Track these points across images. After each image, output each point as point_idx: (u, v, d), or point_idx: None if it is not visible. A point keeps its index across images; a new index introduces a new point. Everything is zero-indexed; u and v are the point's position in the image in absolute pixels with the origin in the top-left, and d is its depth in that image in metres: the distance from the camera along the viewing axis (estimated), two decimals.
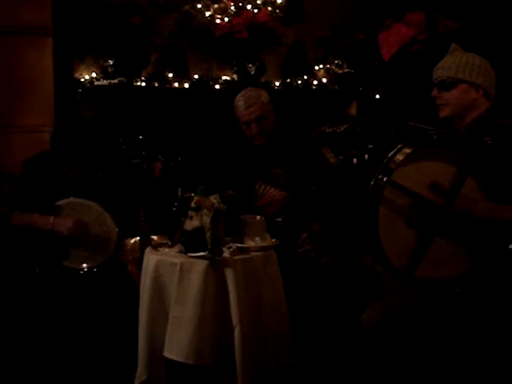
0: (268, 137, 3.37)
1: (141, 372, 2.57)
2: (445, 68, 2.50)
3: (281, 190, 3.27)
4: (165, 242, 2.74)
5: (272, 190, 3.26)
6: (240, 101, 3.42)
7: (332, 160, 3.60)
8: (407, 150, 2.28)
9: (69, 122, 3.34)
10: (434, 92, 2.52)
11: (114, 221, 3.00)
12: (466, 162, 2.28)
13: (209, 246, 2.49)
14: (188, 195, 2.62)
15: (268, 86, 4.49)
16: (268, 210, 3.18)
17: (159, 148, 3.13)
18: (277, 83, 4.70)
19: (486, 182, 2.31)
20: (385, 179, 2.25)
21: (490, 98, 2.50)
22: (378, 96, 4.86)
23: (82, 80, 4.22)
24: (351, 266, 2.94)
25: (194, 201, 2.53)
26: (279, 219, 2.92)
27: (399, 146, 2.32)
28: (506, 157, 2.27)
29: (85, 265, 2.92)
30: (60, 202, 2.94)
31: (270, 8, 4.61)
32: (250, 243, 2.66)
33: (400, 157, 2.28)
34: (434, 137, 2.33)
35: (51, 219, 2.86)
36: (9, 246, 2.92)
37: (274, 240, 2.74)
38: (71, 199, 2.97)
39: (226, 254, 2.53)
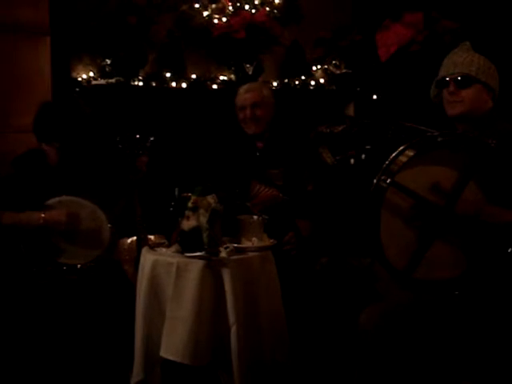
0: (261, 127, 3.38)
1: (137, 372, 2.58)
2: (464, 65, 2.46)
3: (275, 190, 3.27)
4: (162, 241, 2.74)
5: (266, 189, 3.26)
6: (241, 88, 3.51)
7: (329, 160, 3.60)
8: (410, 153, 2.28)
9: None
10: (452, 88, 2.47)
11: (107, 217, 3.00)
12: (469, 165, 2.28)
13: (206, 246, 2.49)
14: (185, 195, 2.62)
15: None
16: (255, 207, 3.18)
17: (144, 142, 3.12)
18: (274, 83, 4.69)
19: (487, 184, 2.31)
20: (388, 180, 2.25)
21: (494, 101, 2.50)
22: (375, 97, 4.86)
23: (80, 79, 4.20)
24: (348, 266, 2.94)
25: (191, 201, 2.53)
26: (266, 217, 2.93)
27: (402, 147, 2.32)
28: (508, 160, 2.27)
29: (80, 260, 2.92)
30: (51, 201, 2.93)
31: (267, 8, 4.60)
32: (247, 243, 2.67)
33: (403, 159, 2.28)
34: (439, 139, 2.33)
35: (42, 214, 2.86)
36: (3, 246, 2.91)
37: (271, 240, 2.74)
38: (62, 197, 2.96)
39: (223, 254, 2.53)
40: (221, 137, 3.85)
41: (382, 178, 2.28)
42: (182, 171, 3.77)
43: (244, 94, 3.46)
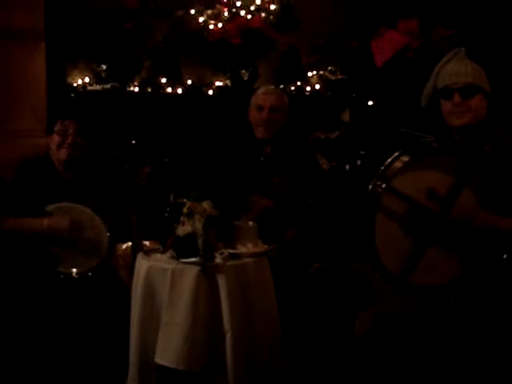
0: (271, 132, 3.34)
1: (132, 377, 2.57)
2: (468, 74, 2.44)
3: (268, 200, 3.25)
4: (157, 247, 2.74)
5: (261, 200, 3.24)
6: (261, 89, 3.49)
7: (325, 166, 3.60)
8: (405, 158, 2.29)
9: None
10: (457, 98, 2.43)
11: (105, 225, 2.99)
12: (464, 171, 2.28)
13: (201, 252, 2.49)
14: (180, 201, 2.61)
15: None
16: (249, 217, 3.16)
17: (147, 151, 3.12)
18: None
19: (482, 190, 2.31)
20: (383, 186, 2.26)
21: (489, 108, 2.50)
22: (370, 103, 4.87)
23: (75, 85, 4.22)
24: (344, 271, 2.93)
25: (187, 206, 2.53)
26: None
27: (397, 153, 2.32)
28: (504, 167, 2.28)
29: (77, 269, 2.91)
30: (50, 207, 2.93)
31: (263, 14, 4.62)
32: (242, 249, 2.66)
33: (398, 164, 2.29)
34: (433, 145, 2.33)
35: (46, 220, 2.86)
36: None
37: (266, 246, 2.74)
38: (63, 204, 2.96)
39: (218, 259, 2.53)
40: (220, 142, 3.83)
41: (378, 183, 2.28)
42: (180, 178, 3.76)
43: (264, 95, 3.39)
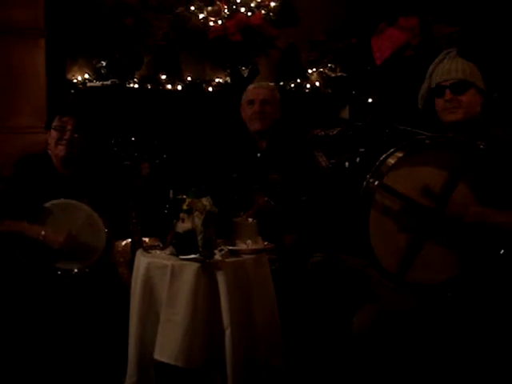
0: (266, 124, 3.36)
1: (131, 374, 2.57)
2: (458, 70, 2.48)
3: (274, 197, 3.25)
4: (156, 244, 2.74)
5: (260, 198, 3.24)
6: (251, 85, 3.54)
7: (324, 163, 3.60)
8: (399, 154, 2.29)
9: None
10: (448, 94, 2.48)
11: (104, 222, 2.99)
12: (458, 167, 2.29)
13: (200, 249, 2.49)
14: (180, 197, 2.62)
15: None
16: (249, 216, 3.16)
17: (147, 148, 3.12)
18: None
19: (477, 186, 2.32)
20: (376, 182, 2.26)
21: (484, 104, 2.52)
22: (370, 100, 4.87)
23: (75, 81, 4.21)
24: (342, 266, 2.93)
25: (186, 203, 2.53)
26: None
27: (391, 149, 2.33)
28: (499, 162, 2.28)
29: (76, 266, 2.91)
30: (48, 204, 2.93)
31: (263, 11, 4.62)
32: (241, 246, 2.67)
33: (392, 160, 2.29)
34: (427, 141, 2.34)
35: (43, 231, 2.85)
36: None
37: (265, 243, 2.74)
38: (61, 200, 2.95)
39: (218, 256, 2.53)
40: (219, 139, 3.84)
41: (371, 180, 2.29)
42: (179, 174, 3.76)
43: (254, 89, 3.46)
